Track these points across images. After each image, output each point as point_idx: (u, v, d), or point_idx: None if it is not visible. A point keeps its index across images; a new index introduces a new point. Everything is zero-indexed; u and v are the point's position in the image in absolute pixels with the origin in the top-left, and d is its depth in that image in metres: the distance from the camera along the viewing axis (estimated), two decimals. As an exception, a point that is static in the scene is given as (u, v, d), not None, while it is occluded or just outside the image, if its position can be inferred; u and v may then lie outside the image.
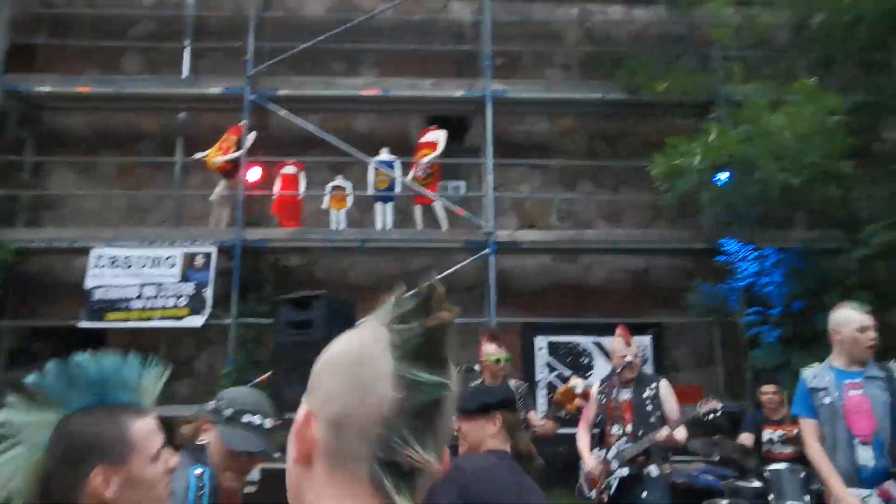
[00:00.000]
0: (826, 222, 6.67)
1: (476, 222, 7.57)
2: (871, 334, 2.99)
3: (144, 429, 1.18)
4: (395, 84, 8.03)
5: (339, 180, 7.86)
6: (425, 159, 7.65)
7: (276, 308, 4.24)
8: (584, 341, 7.46)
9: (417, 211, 7.92)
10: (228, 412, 1.91)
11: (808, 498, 3.94)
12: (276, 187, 7.68)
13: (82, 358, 1.18)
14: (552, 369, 7.42)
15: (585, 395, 4.05)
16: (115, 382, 1.19)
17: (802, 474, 4.04)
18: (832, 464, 2.89)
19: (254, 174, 7.70)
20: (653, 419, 3.74)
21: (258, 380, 7.15)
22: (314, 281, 8.18)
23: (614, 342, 4.01)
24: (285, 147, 8.16)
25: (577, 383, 4.06)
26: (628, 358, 3.84)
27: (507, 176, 8.58)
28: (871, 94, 5.69)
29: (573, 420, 4.22)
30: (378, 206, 7.81)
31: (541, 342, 7.43)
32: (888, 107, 5.65)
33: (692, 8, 7.61)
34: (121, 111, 8.40)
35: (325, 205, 7.80)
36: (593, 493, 3.75)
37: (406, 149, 8.22)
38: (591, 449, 3.88)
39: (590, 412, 3.98)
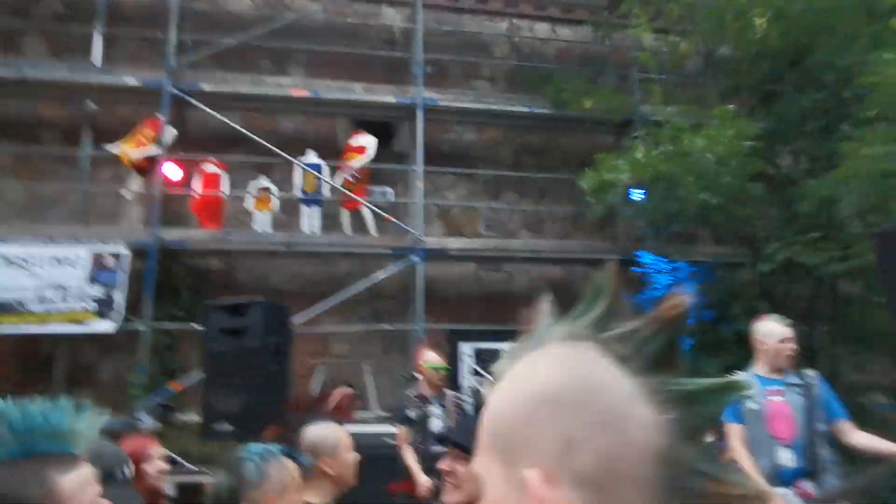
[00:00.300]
0: (729, 239, 7.22)
1: (406, 229, 7.57)
2: (791, 345, 3.24)
3: (75, 482, 1.06)
4: (324, 86, 7.90)
5: (263, 181, 7.63)
6: (355, 163, 7.59)
7: (206, 313, 4.05)
8: (508, 348, 7.63)
9: (345, 216, 7.83)
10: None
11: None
12: (197, 186, 7.34)
13: (3, 406, 1.05)
14: (477, 374, 7.54)
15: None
16: (42, 431, 1.05)
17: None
18: (755, 465, 3.13)
19: (173, 172, 7.32)
20: None
21: (172, 388, 6.81)
22: (235, 285, 7.88)
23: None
24: (205, 145, 7.83)
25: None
26: None
27: (434, 184, 8.65)
28: (769, 123, 6.21)
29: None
30: (305, 209, 7.65)
31: (467, 349, 7.52)
32: (784, 135, 6.20)
33: (614, 31, 8.02)
34: (21, 97, 7.72)
35: (248, 206, 7.54)
36: None
37: (332, 152, 8.12)
38: None
39: None
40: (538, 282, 8.78)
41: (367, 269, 8.23)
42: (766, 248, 5.54)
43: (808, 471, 3.04)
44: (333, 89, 7.89)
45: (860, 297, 6.36)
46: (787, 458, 3.09)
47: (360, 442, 5.15)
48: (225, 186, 7.44)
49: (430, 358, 4.46)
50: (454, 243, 7.94)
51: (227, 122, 7.48)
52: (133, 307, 6.81)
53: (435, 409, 4.39)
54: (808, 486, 3.01)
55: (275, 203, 7.63)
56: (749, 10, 5.44)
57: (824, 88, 5.61)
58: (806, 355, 6.41)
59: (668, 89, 7.39)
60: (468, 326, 7.83)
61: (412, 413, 4.42)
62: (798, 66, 6.01)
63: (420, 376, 4.50)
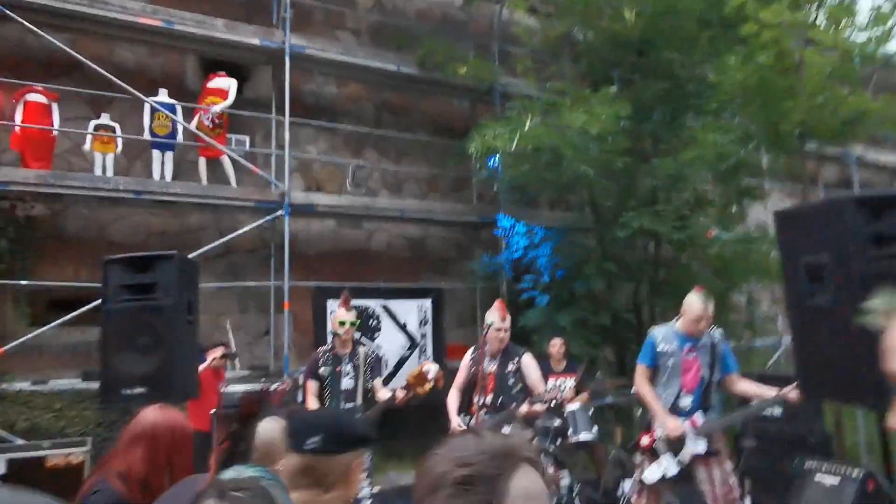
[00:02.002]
0: (576, 207, 8.08)
1: (273, 182, 7.22)
2: (703, 324, 3.81)
3: None
4: (179, 17, 7.07)
5: (104, 119, 6.69)
6: (217, 107, 6.99)
7: (105, 268, 3.57)
8: (374, 305, 7.76)
9: (202, 164, 7.21)
10: None
11: (595, 429, 4.95)
12: (18, 117, 6.21)
13: None
14: (343, 332, 7.57)
15: (438, 381, 4.19)
16: None
17: (591, 411, 5.04)
18: (661, 400, 3.78)
19: (-14, 98, 6.10)
20: (514, 391, 4.04)
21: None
22: (63, 235, 6.92)
23: (490, 314, 4.15)
24: (24, 70, 6.62)
25: (430, 368, 4.13)
26: (503, 333, 4.07)
27: (295, 136, 8.31)
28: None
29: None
30: (156, 153, 6.89)
31: (332, 306, 7.48)
32: (637, 118, 7.01)
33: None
34: None
35: (86, 146, 6.58)
36: None
37: (182, 93, 7.38)
38: (459, 412, 4.15)
39: (460, 377, 4.22)
40: (397, 240, 8.98)
41: (222, 222, 7.72)
42: (619, 213, 6.35)
43: (701, 409, 3.79)
44: (189, 22, 7.10)
45: (675, 260, 7.59)
46: (687, 402, 3.81)
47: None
48: (55, 120, 6.39)
49: (339, 314, 4.47)
50: (320, 199, 7.77)
51: (57, 43, 6.38)
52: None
53: (346, 367, 4.42)
54: (698, 418, 3.74)
55: (118, 144, 6.75)
56: (622, 4, 6.09)
57: (670, 80, 6.52)
58: (633, 307, 7.57)
59: (527, 64, 7.93)
60: (334, 284, 7.79)
61: (324, 370, 4.40)
62: (646, 57, 6.86)
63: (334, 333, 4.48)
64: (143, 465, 2.10)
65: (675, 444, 3.71)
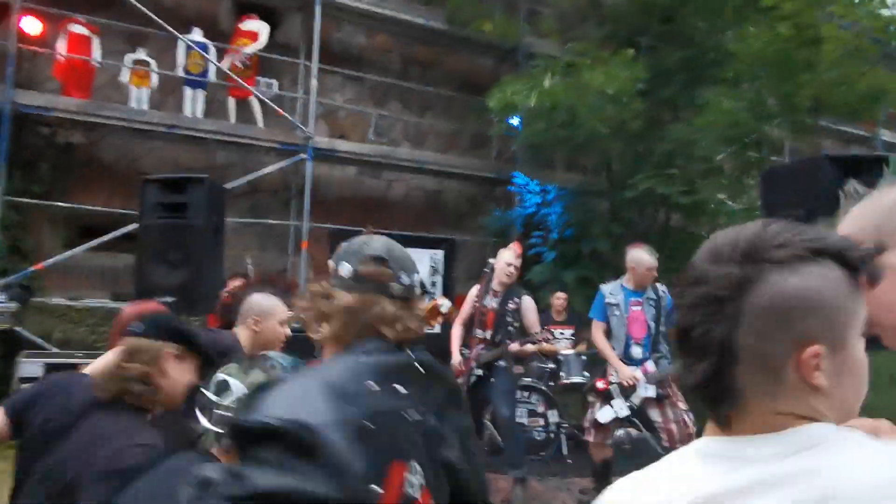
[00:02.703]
0: (590, 169, 8.24)
1: (298, 125, 7.48)
2: (654, 273, 4.21)
3: None
4: (216, -42, 7.26)
5: (141, 54, 6.97)
6: (248, 49, 7.22)
7: (141, 187, 3.89)
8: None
9: (231, 103, 7.49)
10: None
11: (586, 373, 5.26)
12: (62, 48, 6.50)
13: None
14: (357, 275, 7.90)
15: (449, 315, 4.45)
16: None
17: (584, 358, 5.35)
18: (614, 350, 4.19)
19: (32, 26, 6.38)
20: (511, 329, 4.30)
21: (32, 269, 6.28)
22: (98, 163, 7.28)
23: (504, 251, 4.46)
24: (66, 1, 6.88)
25: (443, 302, 4.43)
26: (512, 269, 4.34)
27: (322, 83, 8.52)
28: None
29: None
30: (188, 90, 7.17)
31: (348, 249, 7.81)
32: (655, 84, 7.10)
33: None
34: None
35: (124, 79, 6.88)
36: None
37: (213, 32, 7.62)
38: (461, 346, 4.43)
39: (464, 311, 4.53)
40: (415, 191, 9.24)
41: (248, 161, 8.02)
42: (631, 178, 6.52)
43: (652, 357, 4.19)
44: (226, -37, 7.29)
45: (684, 228, 7.75)
46: (637, 351, 4.21)
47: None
48: (96, 52, 6.68)
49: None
50: (343, 145, 8.02)
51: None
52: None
53: None
54: (649, 366, 4.13)
55: (153, 79, 7.04)
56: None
57: (692, 47, 6.58)
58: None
59: (553, 26, 8.00)
60: (350, 227, 8.09)
61: None
62: (671, 24, 6.91)
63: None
64: None
65: (627, 389, 4.11)
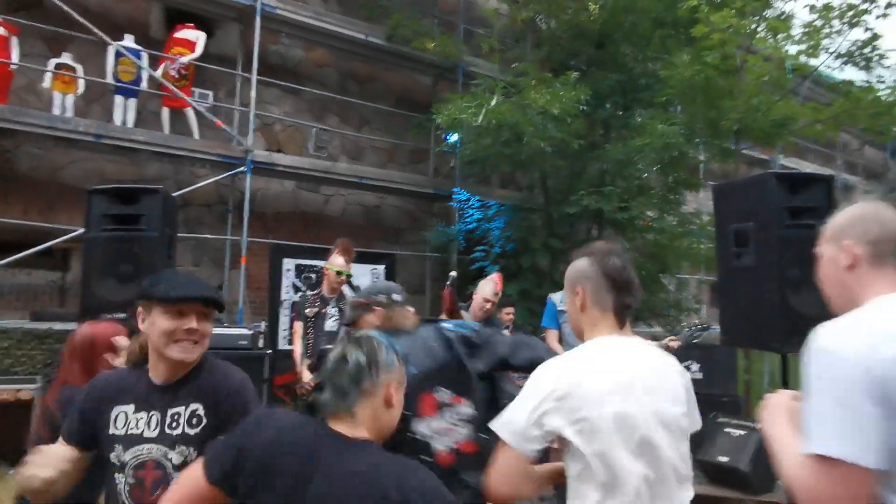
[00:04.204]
0: (526, 185, 8.51)
1: (237, 138, 7.29)
2: None
3: None
4: (149, -37, 6.99)
5: (66, 58, 6.58)
6: (185, 59, 6.98)
7: (88, 198, 3.67)
8: (329, 266, 7.96)
9: (165, 114, 7.19)
10: None
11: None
12: (-24, 48, 6.04)
13: None
14: (297, 290, 7.74)
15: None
16: None
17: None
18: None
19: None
20: None
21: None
22: (13, 173, 6.77)
23: (486, 284, 4.34)
24: (-16, -1, 6.42)
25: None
26: (489, 305, 4.24)
27: (259, 96, 8.34)
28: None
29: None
30: (118, 98, 6.82)
31: (288, 264, 7.65)
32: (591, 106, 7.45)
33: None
34: None
35: (46, 83, 6.46)
36: None
37: (146, 42, 7.33)
38: None
39: None
40: (353, 207, 9.18)
41: (180, 174, 7.73)
42: (567, 194, 6.80)
43: None
44: (159, -31, 7.03)
45: (615, 241, 8.14)
46: None
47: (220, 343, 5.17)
48: (14, 54, 6.25)
49: (336, 262, 4.67)
50: (283, 159, 7.87)
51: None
52: None
53: (331, 310, 4.64)
54: None
55: (80, 85, 6.65)
56: (589, -4, 6.52)
57: (624, 73, 6.99)
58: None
59: (494, 45, 8.26)
60: (289, 242, 7.94)
61: (309, 311, 4.63)
62: (603, 49, 7.31)
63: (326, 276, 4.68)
64: (81, 377, 2.27)
65: None
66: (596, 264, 1.58)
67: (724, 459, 3.58)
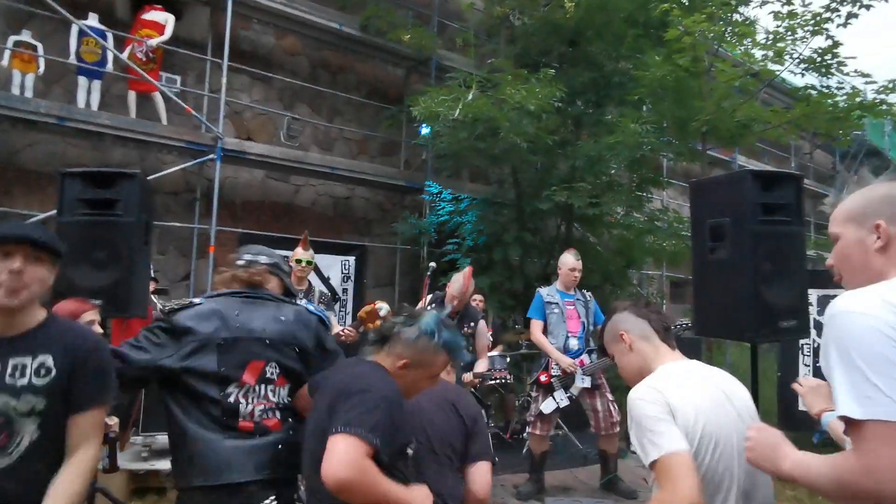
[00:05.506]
0: (498, 181, 8.59)
1: (207, 125, 7.14)
2: (577, 273, 4.72)
3: None
4: (117, -60, 6.77)
5: (26, 36, 6.33)
6: (153, 41, 6.80)
7: (61, 180, 3.55)
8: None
9: (132, 98, 6.99)
10: None
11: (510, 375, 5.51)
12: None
13: None
14: (266, 281, 7.65)
15: (387, 318, 4.41)
16: None
17: (507, 358, 5.60)
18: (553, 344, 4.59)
19: None
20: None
21: None
22: (-32, 156, 6.49)
23: (455, 281, 4.45)
24: (-63, -30, 6.12)
25: (382, 306, 4.40)
26: (454, 301, 4.35)
27: (228, 82, 8.18)
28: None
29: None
30: (82, 80, 6.60)
31: (257, 254, 7.54)
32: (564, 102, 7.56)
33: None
34: None
35: (4, 62, 6.20)
36: None
37: (110, 22, 7.10)
38: None
39: None
40: (323, 197, 9.10)
41: (146, 160, 7.53)
42: (538, 189, 6.90)
43: (587, 351, 4.66)
44: (127, -53, 6.81)
45: (583, 239, 8.30)
46: (574, 343, 4.67)
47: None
48: (-28, 31, 5.98)
49: (297, 252, 4.64)
50: (253, 147, 7.75)
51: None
52: None
53: (300, 303, 4.59)
54: (585, 359, 4.61)
55: (40, 65, 6.41)
56: (564, -8, 6.60)
57: (597, 71, 7.12)
58: (544, 277, 8.22)
59: (468, 39, 8.29)
60: (259, 232, 7.83)
61: None
62: (576, 48, 7.42)
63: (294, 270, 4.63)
64: None
65: (567, 381, 4.52)
66: (630, 312, 1.87)
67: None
